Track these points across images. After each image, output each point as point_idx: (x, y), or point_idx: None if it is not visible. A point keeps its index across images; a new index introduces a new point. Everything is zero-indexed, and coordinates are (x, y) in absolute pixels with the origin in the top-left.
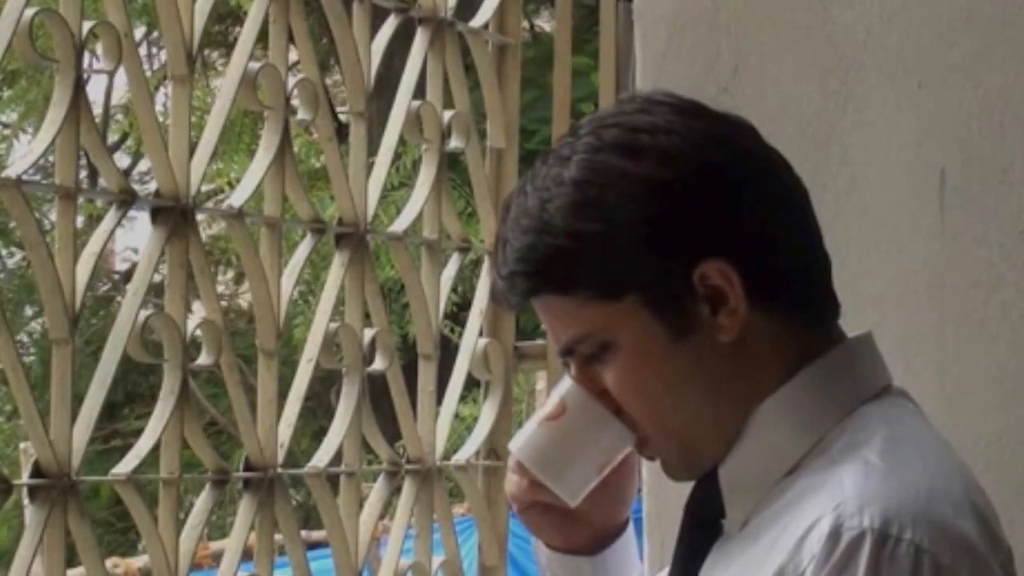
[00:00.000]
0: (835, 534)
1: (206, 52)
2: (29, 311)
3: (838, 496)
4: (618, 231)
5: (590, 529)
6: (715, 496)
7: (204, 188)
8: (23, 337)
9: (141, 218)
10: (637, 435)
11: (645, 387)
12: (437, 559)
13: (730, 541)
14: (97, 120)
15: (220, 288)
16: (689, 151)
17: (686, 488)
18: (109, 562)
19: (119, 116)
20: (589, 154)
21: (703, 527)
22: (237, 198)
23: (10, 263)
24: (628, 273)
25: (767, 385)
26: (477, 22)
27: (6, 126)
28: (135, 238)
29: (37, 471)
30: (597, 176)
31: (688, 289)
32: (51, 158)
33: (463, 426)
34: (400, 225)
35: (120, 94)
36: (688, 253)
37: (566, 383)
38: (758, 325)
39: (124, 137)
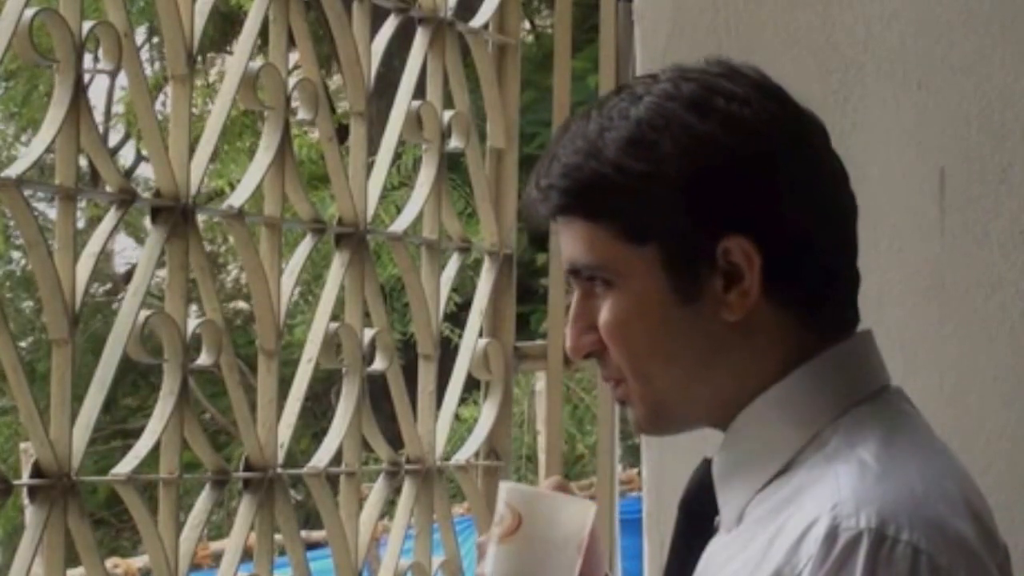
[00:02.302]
0: (832, 535)
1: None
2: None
3: (834, 497)
4: (662, 178)
5: None
6: (709, 493)
7: (204, 189)
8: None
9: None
10: (614, 377)
11: (633, 337)
12: (437, 559)
13: (725, 539)
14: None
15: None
16: (756, 127)
17: None
18: (109, 562)
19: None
20: (661, 99)
21: (698, 525)
22: (237, 198)
23: (12, 264)
24: (657, 222)
25: (759, 375)
26: (477, 22)
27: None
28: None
29: (37, 471)
30: (661, 121)
31: (708, 258)
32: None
33: (464, 427)
34: (400, 225)
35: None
36: (720, 222)
37: (504, 490)
38: (766, 314)
39: (126, 137)
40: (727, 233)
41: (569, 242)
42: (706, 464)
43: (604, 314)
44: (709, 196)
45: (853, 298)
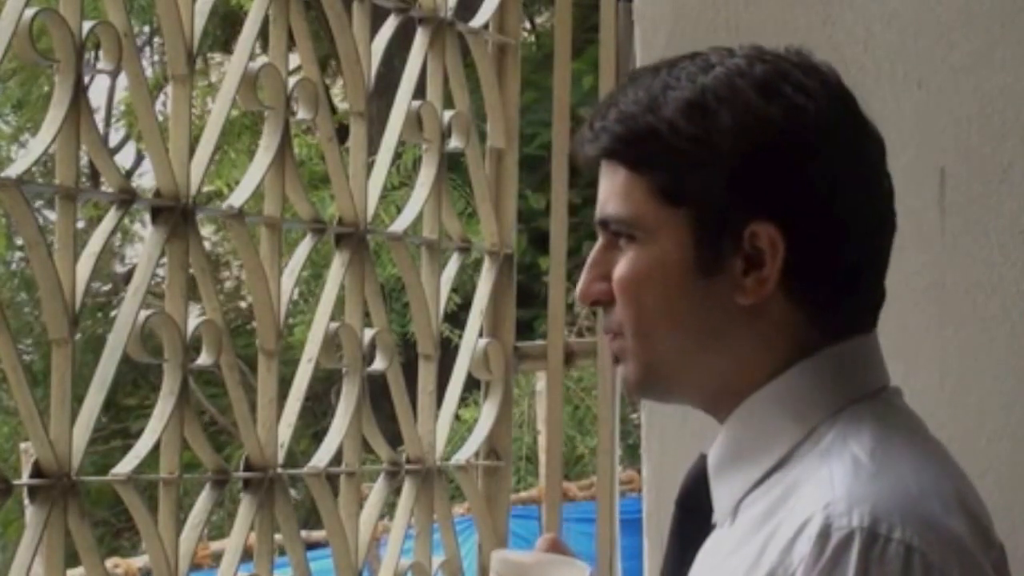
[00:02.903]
0: (824, 534)
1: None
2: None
3: (827, 496)
4: (711, 147)
5: None
6: (706, 488)
7: (204, 190)
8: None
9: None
10: (614, 331)
11: (645, 295)
12: (437, 559)
13: (722, 535)
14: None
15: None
16: (816, 124)
17: None
18: (109, 562)
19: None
20: (732, 73)
21: (695, 521)
22: (237, 198)
23: (13, 265)
24: (696, 188)
25: (758, 365)
26: (477, 22)
27: None
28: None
29: (37, 471)
30: (726, 93)
31: (735, 236)
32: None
33: (464, 428)
34: (400, 225)
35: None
36: (755, 205)
37: (495, 560)
38: (778, 306)
39: (126, 138)
40: (759, 217)
41: (606, 189)
42: (703, 459)
43: (621, 267)
44: (752, 177)
45: (873, 310)
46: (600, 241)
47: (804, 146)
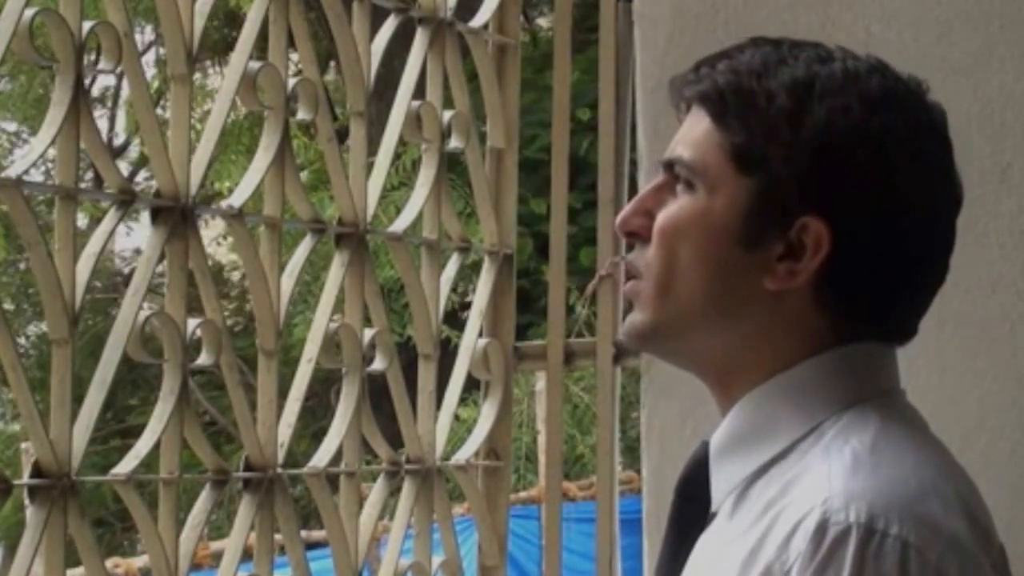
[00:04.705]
0: (821, 529)
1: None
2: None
3: (825, 491)
4: (798, 130)
5: None
6: (706, 477)
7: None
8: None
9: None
10: (635, 269)
11: (680, 244)
12: (437, 559)
13: (721, 527)
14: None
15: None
16: (909, 154)
17: None
18: (109, 562)
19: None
20: (848, 74)
21: (694, 510)
22: (237, 198)
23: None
24: (767, 162)
25: (764, 351)
26: (477, 22)
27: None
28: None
29: (37, 471)
30: (832, 89)
31: (785, 222)
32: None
33: (463, 428)
34: (400, 225)
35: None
36: (817, 200)
37: None
38: (803, 302)
39: (128, 140)
40: (816, 213)
41: (685, 133)
42: (704, 446)
43: (670, 209)
44: (825, 173)
45: (900, 336)
46: (658, 180)
47: (887, 167)
